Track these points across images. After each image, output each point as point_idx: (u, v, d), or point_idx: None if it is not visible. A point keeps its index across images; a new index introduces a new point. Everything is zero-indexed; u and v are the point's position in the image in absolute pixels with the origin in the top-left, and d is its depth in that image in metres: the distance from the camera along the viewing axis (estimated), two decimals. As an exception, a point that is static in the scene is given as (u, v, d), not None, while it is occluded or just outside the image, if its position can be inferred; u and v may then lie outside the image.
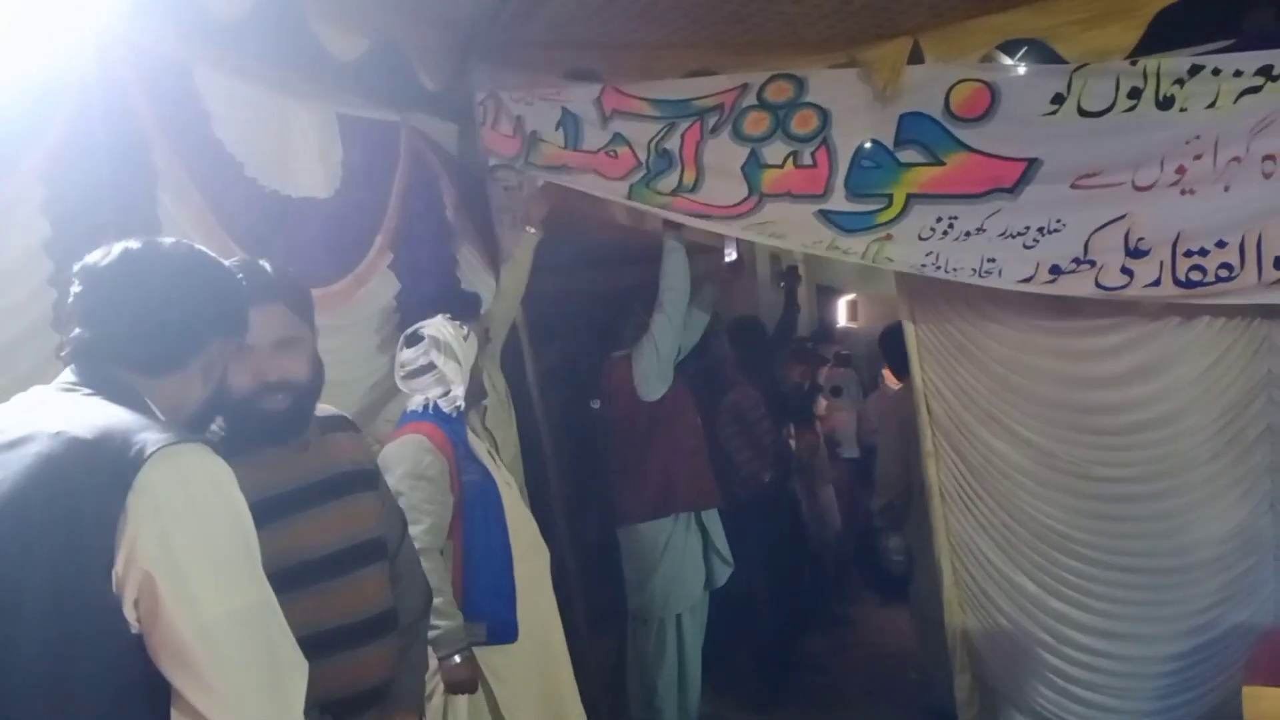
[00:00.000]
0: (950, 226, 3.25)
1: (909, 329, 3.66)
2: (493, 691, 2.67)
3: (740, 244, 5.29)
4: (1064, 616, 3.44)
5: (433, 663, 2.53)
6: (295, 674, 1.33)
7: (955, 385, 3.59)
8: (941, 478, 3.66)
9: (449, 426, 2.72)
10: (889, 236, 3.33)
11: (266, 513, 1.74)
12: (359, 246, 3.44)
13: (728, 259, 4.38)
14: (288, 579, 1.72)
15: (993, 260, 3.22)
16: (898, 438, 4.35)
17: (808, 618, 5.86)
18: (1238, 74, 2.95)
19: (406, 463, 2.60)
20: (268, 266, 1.89)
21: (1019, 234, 3.18)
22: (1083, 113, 3.14)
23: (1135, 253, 3.07)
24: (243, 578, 1.30)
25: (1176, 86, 3.03)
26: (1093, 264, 3.11)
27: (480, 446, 2.88)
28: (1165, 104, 3.04)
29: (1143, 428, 3.31)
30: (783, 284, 5.55)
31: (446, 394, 2.74)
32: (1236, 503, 3.24)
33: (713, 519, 4.07)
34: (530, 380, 4.31)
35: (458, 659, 2.56)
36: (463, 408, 2.78)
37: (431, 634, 2.47)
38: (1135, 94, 3.07)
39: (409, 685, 2.01)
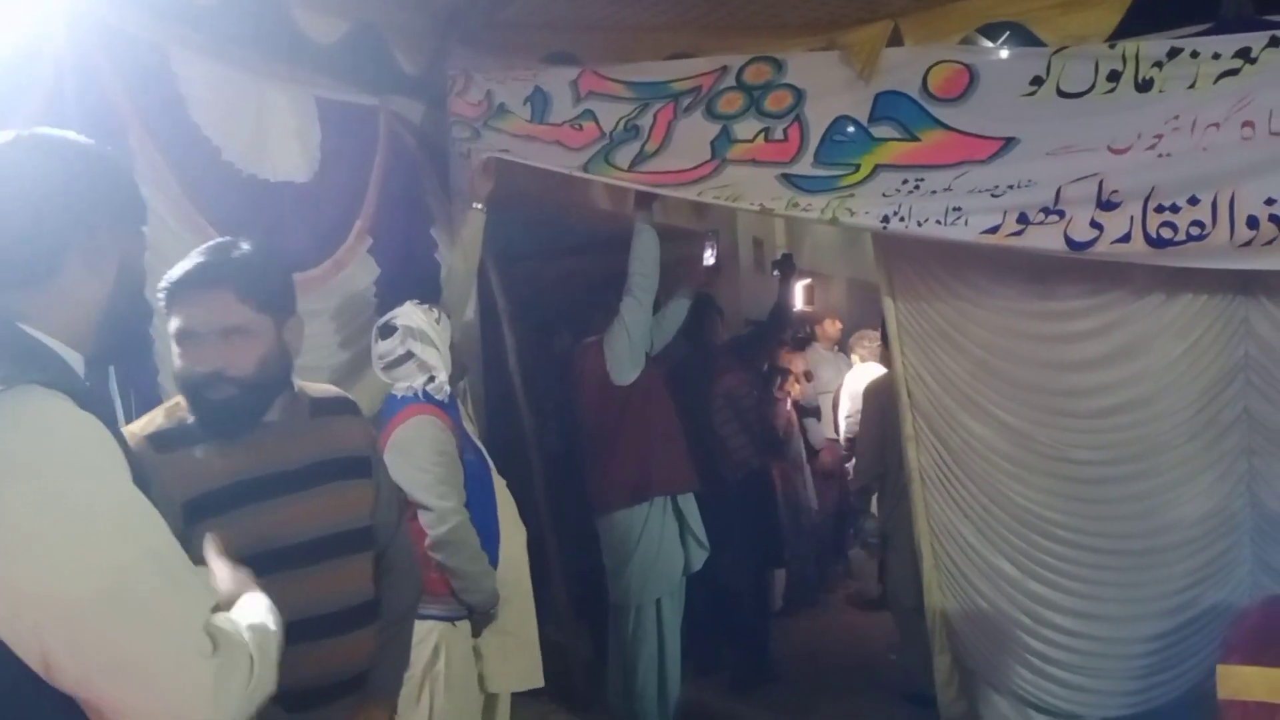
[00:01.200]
0: (916, 186, 3.18)
1: (889, 312, 3.67)
2: (465, 669, 2.72)
3: (722, 237, 5.29)
4: (1042, 598, 3.47)
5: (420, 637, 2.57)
6: (192, 625, 1.17)
7: (935, 369, 3.60)
8: (921, 461, 3.68)
9: (447, 409, 2.75)
10: (851, 195, 3.25)
11: (242, 494, 1.74)
12: (338, 231, 3.43)
13: (706, 263, 4.31)
14: (261, 563, 1.67)
15: (958, 209, 3.10)
16: (876, 421, 4.38)
17: (787, 601, 5.92)
18: (1216, 57, 2.94)
19: (429, 440, 2.63)
20: (234, 249, 1.78)
21: (987, 189, 3.09)
22: (1061, 94, 3.13)
23: (1106, 204, 2.96)
24: (96, 542, 1.11)
25: (1155, 69, 3.02)
26: (1062, 214, 3.00)
27: (472, 430, 2.91)
28: (1144, 86, 3.03)
29: (1120, 410, 3.32)
30: (776, 271, 5.47)
31: (432, 380, 2.74)
32: (1213, 485, 3.26)
33: (689, 503, 4.06)
34: (512, 366, 4.31)
35: (494, 611, 2.74)
36: (450, 391, 2.80)
37: (479, 597, 2.66)
38: (1114, 76, 3.07)
39: (386, 678, 1.97)
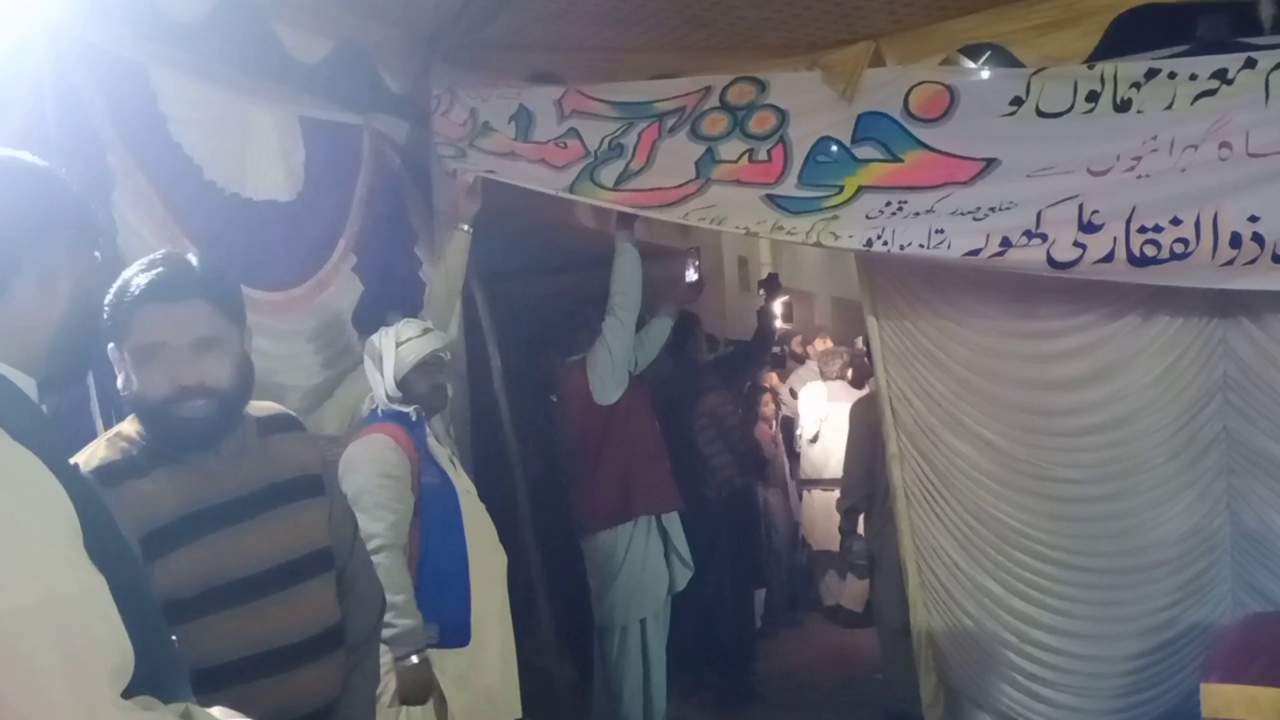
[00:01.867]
0: (899, 209, 3.19)
1: (873, 330, 3.68)
2: (443, 695, 2.64)
3: (705, 256, 5.27)
4: (1027, 616, 3.47)
5: (385, 661, 2.49)
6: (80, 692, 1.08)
7: (919, 388, 3.61)
8: (906, 480, 3.69)
9: (411, 429, 2.74)
10: (835, 217, 3.26)
11: (197, 527, 1.66)
12: (321, 250, 3.41)
13: (689, 279, 4.27)
14: (220, 598, 1.65)
15: (941, 232, 3.12)
16: (863, 441, 4.37)
17: (767, 621, 5.91)
18: (1193, 78, 2.97)
19: (374, 461, 2.62)
20: (192, 260, 1.72)
21: (969, 212, 3.10)
22: (1041, 114, 3.15)
23: (1088, 227, 2.97)
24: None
25: (1134, 90, 3.05)
26: (1044, 237, 3.01)
27: (442, 453, 2.87)
28: (1123, 106, 3.05)
29: (1101, 429, 3.35)
30: (762, 290, 5.45)
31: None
32: (1192, 504, 3.28)
33: (673, 522, 4.04)
34: (496, 386, 4.30)
35: (415, 660, 2.51)
36: (422, 411, 2.80)
37: (389, 632, 2.42)
38: (1093, 97, 3.09)
39: (355, 706, 1.88)
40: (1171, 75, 3.01)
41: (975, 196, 3.12)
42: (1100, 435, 3.34)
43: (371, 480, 2.58)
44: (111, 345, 1.67)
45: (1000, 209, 3.06)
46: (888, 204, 3.21)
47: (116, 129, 2.70)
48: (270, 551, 1.73)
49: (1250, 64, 2.92)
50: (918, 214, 3.15)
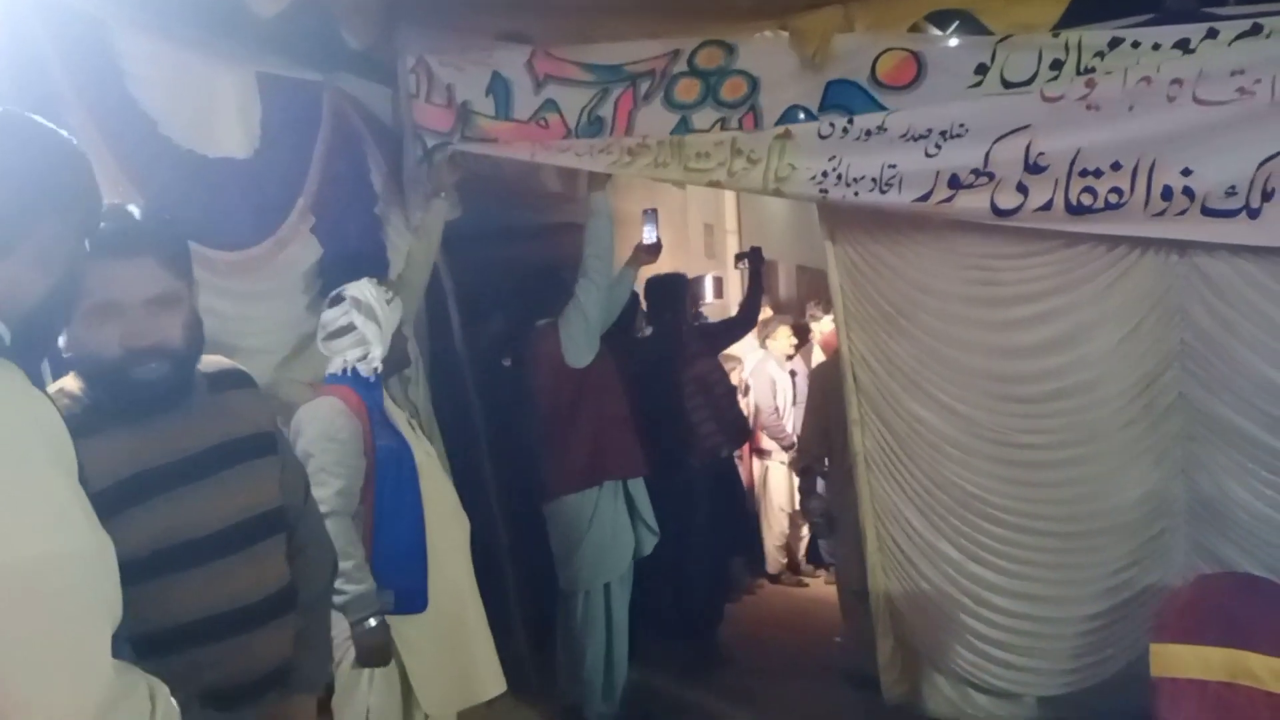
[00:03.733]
0: (849, 124, 3.27)
1: (836, 297, 3.69)
2: (402, 662, 2.61)
3: (671, 224, 5.23)
4: (983, 580, 3.52)
5: (343, 630, 2.48)
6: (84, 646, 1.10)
7: (881, 355, 3.63)
8: (867, 445, 3.71)
9: (365, 391, 2.67)
10: (788, 132, 3.32)
11: (147, 487, 1.62)
12: (280, 209, 3.35)
13: (647, 240, 4.22)
14: (173, 560, 1.62)
15: (894, 167, 3.22)
16: (819, 405, 4.41)
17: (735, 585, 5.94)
18: (1156, 47, 3.02)
19: (319, 423, 2.54)
20: (135, 212, 1.66)
21: (921, 137, 3.19)
22: (1006, 83, 3.19)
23: (1034, 168, 3.11)
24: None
25: (1097, 59, 3.09)
26: (991, 176, 3.14)
27: (399, 415, 2.82)
28: (1085, 75, 3.08)
29: (1060, 396, 3.39)
30: (744, 263, 5.26)
31: (365, 357, 2.69)
32: (1149, 469, 3.34)
33: (639, 488, 4.04)
34: (460, 351, 4.26)
35: (372, 622, 2.49)
36: (380, 371, 2.74)
37: (340, 599, 2.40)
38: (1057, 65, 3.13)
39: (308, 667, 1.86)
40: (1135, 44, 3.07)
41: (926, 117, 3.19)
42: (1060, 401, 3.39)
43: (316, 444, 2.51)
44: None
45: (951, 135, 3.16)
46: (835, 122, 3.29)
47: (71, 82, 2.64)
48: (223, 511, 1.70)
49: (1212, 34, 2.97)
50: (869, 133, 3.24)
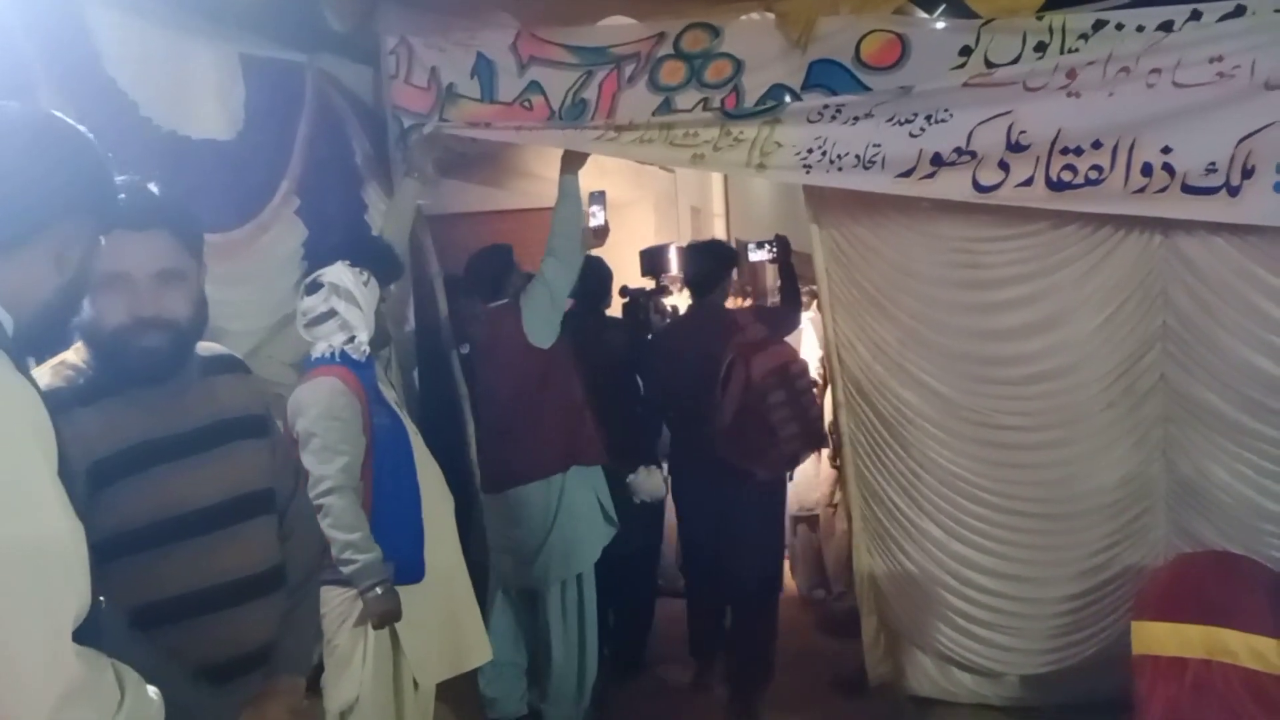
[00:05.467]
0: (839, 111, 3.27)
1: (821, 281, 3.69)
2: (397, 633, 2.66)
3: (661, 209, 5.12)
4: (966, 559, 3.55)
5: (339, 604, 2.56)
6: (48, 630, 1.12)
7: (866, 338, 3.64)
8: (852, 427, 3.72)
9: (360, 371, 2.70)
10: (779, 120, 3.32)
11: (138, 459, 1.65)
12: (263, 191, 3.34)
13: (594, 224, 3.82)
14: (162, 533, 1.65)
15: (878, 146, 3.23)
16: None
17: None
18: (1139, 29, 3.05)
19: (321, 403, 2.59)
20: (154, 189, 1.70)
21: (907, 121, 3.21)
22: (990, 65, 3.20)
23: (1015, 146, 3.14)
24: None
25: (1081, 41, 3.11)
26: (973, 155, 3.17)
27: (389, 393, 2.85)
28: (1067, 67, 3.10)
29: (1042, 378, 3.41)
30: (773, 253, 4.34)
31: (351, 340, 2.70)
32: (1130, 450, 3.37)
33: (597, 476, 3.80)
34: (444, 331, 4.23)
35: (379, 590, 2.56)
36: (369, 353, 2.75)
37: (350, 568, 2.52)
38: (1041, 48, 3.15)
39: (295, 646, 1.88)
40: (1119, 26, 3.10)
41: (912, 104, 3.21)
42: (1043, 384, 3.41)
43: (319, 423, 2.57)
44: None
45: (936, 120, 3.18)
46: (826, 107, 3.30)
47: (47, 63, 2.61)
48: (214, 487, 1.73)
49: (1195, 16, 3.00)
50: (856, 119, 3.25)
